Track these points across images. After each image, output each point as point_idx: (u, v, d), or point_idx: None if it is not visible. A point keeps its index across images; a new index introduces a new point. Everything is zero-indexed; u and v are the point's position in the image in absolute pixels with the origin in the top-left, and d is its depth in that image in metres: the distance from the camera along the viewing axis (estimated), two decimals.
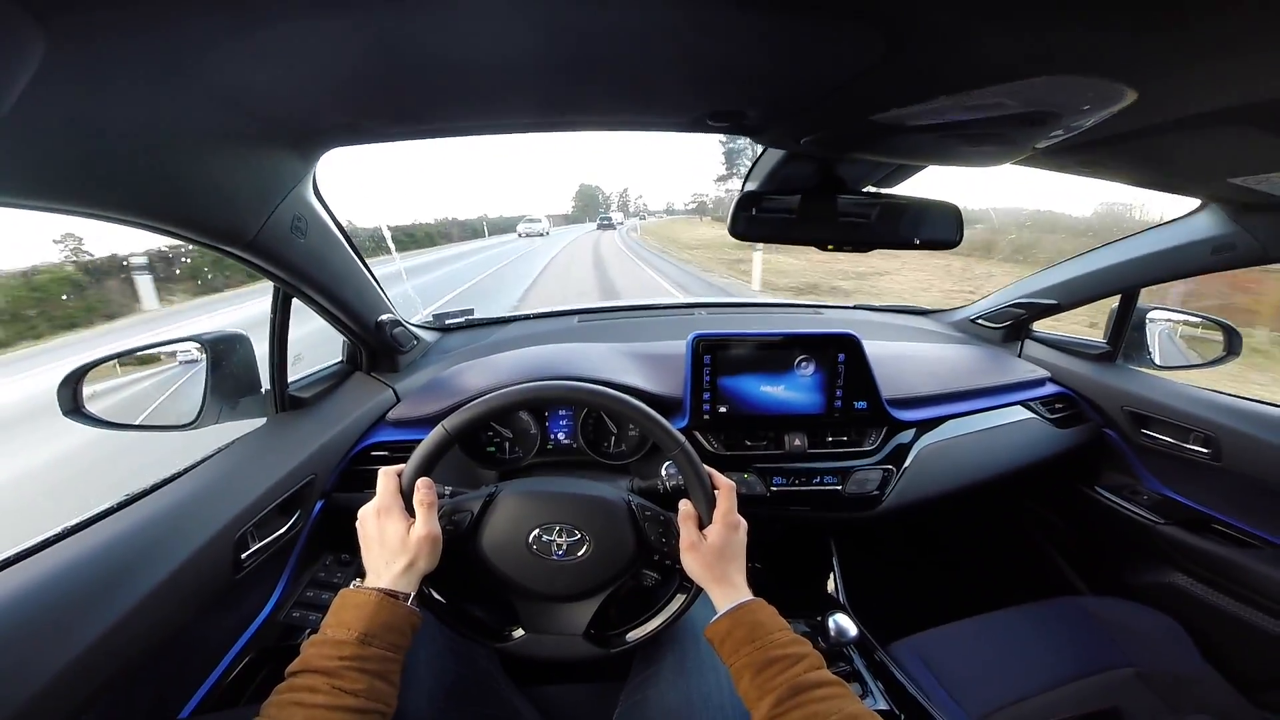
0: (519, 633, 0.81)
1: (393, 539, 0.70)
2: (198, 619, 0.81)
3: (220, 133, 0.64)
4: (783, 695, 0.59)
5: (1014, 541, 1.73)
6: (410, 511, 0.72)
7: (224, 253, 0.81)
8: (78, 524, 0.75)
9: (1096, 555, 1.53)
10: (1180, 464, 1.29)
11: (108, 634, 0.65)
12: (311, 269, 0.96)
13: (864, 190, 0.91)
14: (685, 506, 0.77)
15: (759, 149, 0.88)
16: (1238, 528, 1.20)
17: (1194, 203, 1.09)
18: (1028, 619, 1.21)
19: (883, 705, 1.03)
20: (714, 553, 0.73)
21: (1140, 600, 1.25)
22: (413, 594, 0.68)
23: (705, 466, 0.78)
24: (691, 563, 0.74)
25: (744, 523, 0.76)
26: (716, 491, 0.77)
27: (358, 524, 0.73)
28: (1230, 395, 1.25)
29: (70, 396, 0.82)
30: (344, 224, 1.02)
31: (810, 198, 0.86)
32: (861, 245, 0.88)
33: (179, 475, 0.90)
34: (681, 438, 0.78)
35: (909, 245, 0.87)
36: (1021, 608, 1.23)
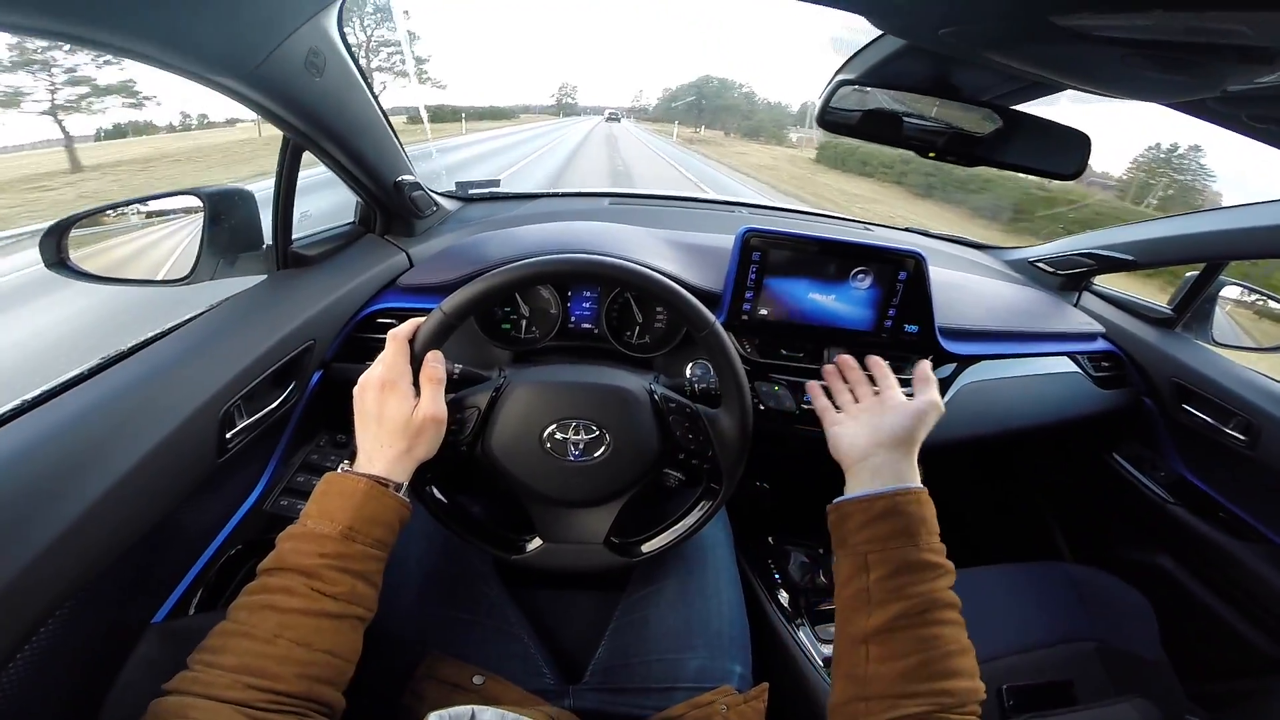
0: (535, 543, 0.76)
1: (395, 417, 0.61)
2: (175, 509, 0.73)
3: None
4: (913, 609, 0.54)
5: (1013, 498, 1.73)
6: (418, 388, 0.64)
7: (217, 86, 0.67)
8: (41, 394, 0.64)
9: (1090, 522, 1.53)
10: (1209, 446, 1.24)
11: (71, 530, 0.56)
12: (326, 115, 0.84)
13: (982, 101, 0.77)
14: (923, 367, 0.72)
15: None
16: (1244, 520, 1.18)
17: None
18: (1011, 579, 1.22)
19: None
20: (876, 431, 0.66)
21: (1121, 574, 1.25)
22: (405, 484, 0.61)
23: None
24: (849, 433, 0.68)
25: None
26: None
27: (355, 394, 0.63)
28: None
29: (54, 248, 0.72)
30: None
31: (924, 98, 0.73)
32: (969, 158, 0.76)
33: (162, 335, 0.78)
34: (713, 317, 0.67)
35: (1022, 168, 0.76)
36: (1007, 566, 1.24)
